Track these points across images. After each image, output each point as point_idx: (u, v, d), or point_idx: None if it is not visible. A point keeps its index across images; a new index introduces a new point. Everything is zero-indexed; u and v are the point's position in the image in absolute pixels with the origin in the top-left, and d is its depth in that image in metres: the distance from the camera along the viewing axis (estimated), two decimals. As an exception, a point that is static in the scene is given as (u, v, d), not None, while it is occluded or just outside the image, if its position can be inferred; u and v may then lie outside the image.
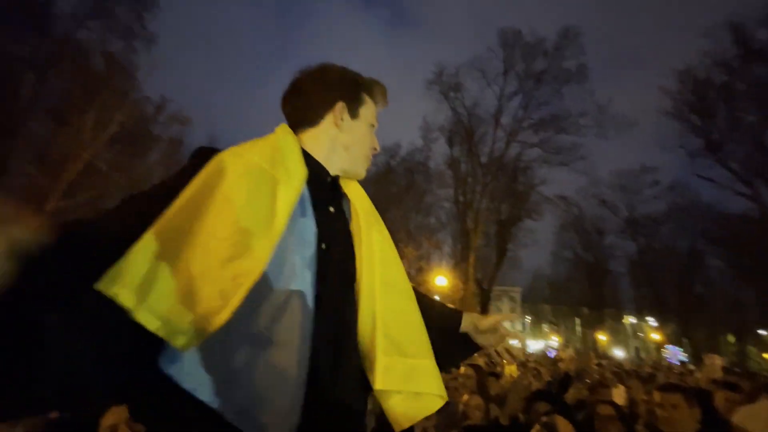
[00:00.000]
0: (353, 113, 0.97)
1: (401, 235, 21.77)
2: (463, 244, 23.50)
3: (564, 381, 3.76)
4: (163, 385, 0.67)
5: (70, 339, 0.61)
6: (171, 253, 0.67)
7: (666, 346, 25.35)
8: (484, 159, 23.63)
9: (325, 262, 0.81)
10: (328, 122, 0.95)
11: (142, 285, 0.64)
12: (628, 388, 4.10)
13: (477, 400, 3.13)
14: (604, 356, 15.62)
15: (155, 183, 0.84)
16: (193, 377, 0.67)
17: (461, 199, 24.36)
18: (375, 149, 1.03)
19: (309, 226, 0.82)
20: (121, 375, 0.69)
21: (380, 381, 0.79)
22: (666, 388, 2.44)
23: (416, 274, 20.34)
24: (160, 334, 0.64)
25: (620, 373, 4.90)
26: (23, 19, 16.12)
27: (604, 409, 2.80)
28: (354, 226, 0.91)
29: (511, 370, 3.77)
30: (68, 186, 12.15)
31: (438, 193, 25.74)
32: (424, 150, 25.48)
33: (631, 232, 28.33)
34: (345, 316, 0.83)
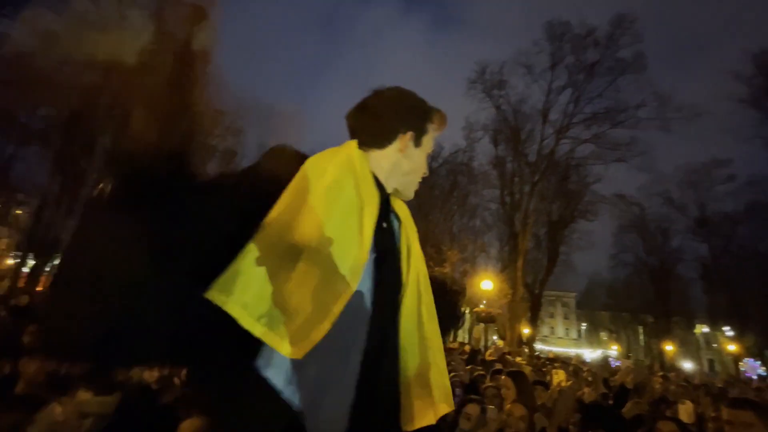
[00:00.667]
0: (417, 142, 1.04)
1: (444, 237, 21.48)
2: (511, 247, 22.68)
3: (620, 394, 3.48)
4: (248, 382, 0.75)
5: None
6: (274, 266, 0.75)
7: (744, 359, 22.61)
8: (531, 157, 22.71)
9: (377, 274, 0.89)
10: (394, 148, 1.01)
11: (246, 295, 0.73)
12: (696, 404, 3.71)
13: (520, 410, 2.98)
14: (671, 369, 14.28)
15: (236, 174, 0.93)
16: (271, 368, 0.76)
17: (508, 200, 23.56)
18: (425, 173, 1.08)
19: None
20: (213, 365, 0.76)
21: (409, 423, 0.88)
22: (737, 403, 2.18)
23: (460, 278, 19.94)
24: (267, 341, 0.72)
25: (687, 387, 4.44)
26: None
27: (666, 426, 2.57)
28: (402, 245, 0.98)
29: (559, 378, 3.55)
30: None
31: (483, 194, 25.15)
32: (467, 150, 25.02)
33: (702, 233, 25.76)
34: (387, 328, 0.90)
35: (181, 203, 0.75)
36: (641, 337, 35.94)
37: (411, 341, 0.91)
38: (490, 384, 3.35)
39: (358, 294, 0.81)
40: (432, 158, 25.57)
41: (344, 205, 0.84)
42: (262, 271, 0.74)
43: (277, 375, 0.75)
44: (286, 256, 0.76)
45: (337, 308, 0.74)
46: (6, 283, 7.88)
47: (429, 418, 0.88)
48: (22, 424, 1.67)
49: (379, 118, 1.00)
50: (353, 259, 0.79)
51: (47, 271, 18.94)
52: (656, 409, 3.42)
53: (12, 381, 2.19)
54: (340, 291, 0.76)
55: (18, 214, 22.90)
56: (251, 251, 0.75)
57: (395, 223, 1.02)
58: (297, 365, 0.76)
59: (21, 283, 16.90)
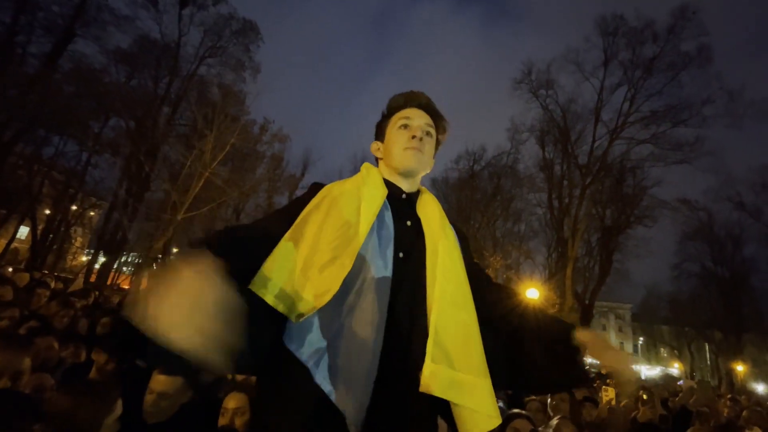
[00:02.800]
0: (383, 139, 1.20)
1: (487, 242, 20.92)
2: (559, 254, 21.63)
3: (680, 416, 3.19)
4: (282, 360, 0.87)
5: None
6: (296, 255, 0.91)
7: None
8: (582, 159, 21.56)
9: (401, 269, 0.96)
10: (379, 160, 1.21)
11: (271, 279, 0.88)
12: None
13: (569, 427, 2.83)
14: (742, 391, 12.87)
15: (281, 207, 1.13)
16: (302, 350, 0.87)
17: (556, 204, 22.52)
18: (413, 136, 1.12)
19: (389, 237, 0.99)
20: (258, 351, 0.88)
21: (424, 384, 0.85)
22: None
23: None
24: (281, 310, 0.86)
25: (760, 412, 3.98)
26: (158, 62, 19.57)
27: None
28: (428, 243, 1.03)
29: (609, 396, 3.32)
30: (194, 199, 14.25)
31: (528, 198, 24.23)
32: (512, 152, 24.27)
33: (781, 241, 23.13)
34: (415, 318, 0.94)
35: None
36: (708, 354, 32.75)
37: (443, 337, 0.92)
38: (534, 398, 3.21)
39: (380, 283, 0.92)
40: (474, 161, 25.23)
41: (345, 203, 0.99)
42: (282, 259, 0.90)
43: (303, 352, 0.86)
44: (305, 246, 0.92)
45: (336, 284, 0.86)
46: (81, 279, 8.70)
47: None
48: (99, 407, 1.82)
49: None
50: (351, 246, 0.92)
51: (115, 268, 20.69)
52: (723, 436, 3.10)
53: (88, 367, 2.42)
54: (338, 270, 0.88)
55: (92, 215, 25.34)
56: (283, 245, 0.92)
57: (423, 223, 1.07)
58: (322, 346, 0.86)
59: (92, 278, 18.64)
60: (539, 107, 22.91)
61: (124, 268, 26.58)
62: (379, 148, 1.20)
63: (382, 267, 0.94)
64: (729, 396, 7.15)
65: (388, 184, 1.10)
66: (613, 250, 22.30)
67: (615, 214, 22.40)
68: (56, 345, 2.55)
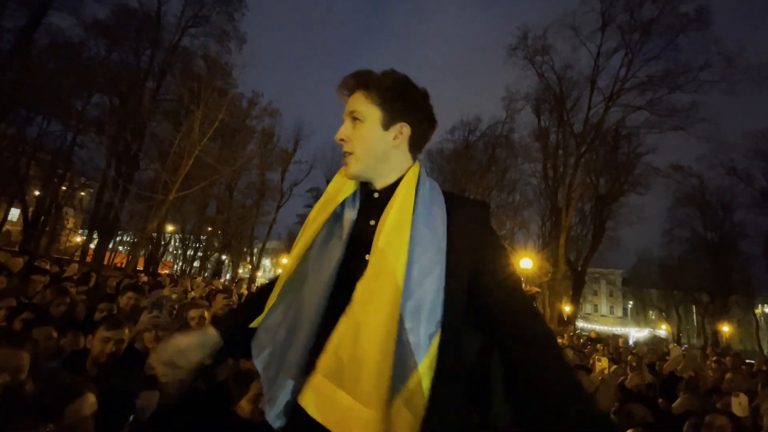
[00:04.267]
0: None
1: (483, 214, 20.98)
2: (553, 223, 21.85)
3: (669, 384, 3.31)
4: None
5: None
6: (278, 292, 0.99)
7: None
8: (578, 128, 21.36)
9: (351, 269, 0.89)
10: None
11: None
12: (751, 394, 3.46)
13: None
14: (726, 351, 13.44)
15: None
16: (257, 360, 0.96)
17: (551, 173, 22.52)
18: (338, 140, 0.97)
19: (342, 237, 0.93)
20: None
21: (304, 398, 0.80)
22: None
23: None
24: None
25: (743, 373, 4.16)
26: (139, 33, 18.72)
27: (719, 420, 2.43)
28: (374, 242, 0.88)
29: (603, 364, 3.44)
30: (185, 178, 14.01)
31: (523, 168, 24.19)
32: (507, 122, 23.99)
33: (769, 206, 23.46)
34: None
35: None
36: (695, 317, 33.91)
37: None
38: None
39: (322, 283, 0.90)
40: (469, 131, 24.89)
41: (319, 208, 1.00)
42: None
43: (257, 360, 0.97)
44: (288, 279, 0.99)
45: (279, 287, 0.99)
46: (75, 266, 8.67)
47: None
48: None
49: None
50: (298, 248, 0.99)
51: (111, 248, 20.58)
52: (707, 401, 3.23)
53: (87, 354, 2.44)
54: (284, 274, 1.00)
55: (82, 196, 24.98)
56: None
57: (379, 222, 0.91)
58: (268, 340, 0.96)
59: (88, 259, 18.59)
60: (535, 74, 22.47)
61: (120, 248, 26.54)
62: None
63: (329, 266, 0.91)
64: (714, 358, 7.45)
65: (363, 183, 1.00)
66: (606, 218, 22.56)
67: (609, 182, 22.50)
68: (55, 334, 2.56)
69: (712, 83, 19.56)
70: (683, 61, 19.93)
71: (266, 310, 0.98)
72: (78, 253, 18.72)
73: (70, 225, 26.27)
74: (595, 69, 20.95)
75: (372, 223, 0.92)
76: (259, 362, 0.95)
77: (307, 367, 0.85)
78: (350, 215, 0.96)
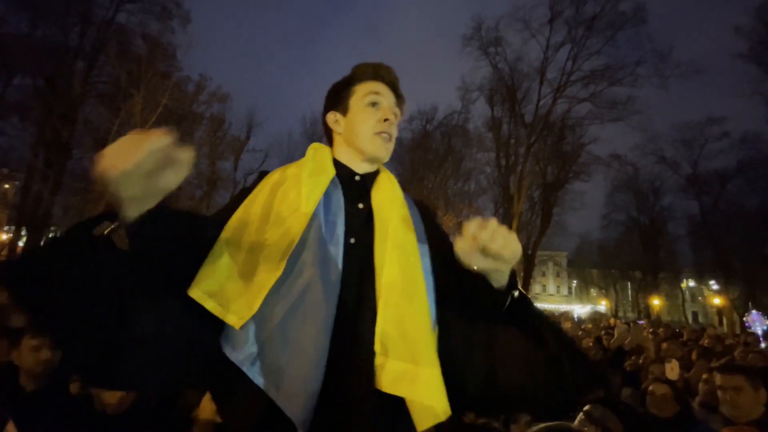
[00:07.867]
0: (344, 111, 1.05)
1: (439, 202, 21.49)
2: (506, 210, 22.83)
3: (616, 355, 3.62)
4: (224, 368, 0.81)
5: (158, 324, 0.77)
6: (231, 256, 0.85)
7: (752, 312, 23.10)
8: (528, 118, 22.31)
9: (352, 255, 0.90)
10: (335, 134, 1.07)
11: (206, 281, 0.82)
12: (684, 360, 3.86)
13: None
14: (658, 322, 14.91)
15: (225, 203, 1.02)
16: (240, 352, 0.81)
17: (503, 162, 23.41)
18: (385, 119, 1.01)
19: (339, 222, 0.92)
20: (196, 362, 0.84)
21: (376, 379, 0.81)
22: (727, 369, 2.26)
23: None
24: (216, 312, 0.80)
25: (677, 343, 4.67)
26: (67, 7, 16.86)
27: (659, 389, 2.66)
28: (377, 224, 0.94)
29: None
30: (125, 168, 12.99)
31: (478, 158, 24.92)
32: (463, 112, 24.52)
33: (693, 191, 26.04)
34: (363, 309, 0.87)
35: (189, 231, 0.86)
36: (629, 292, 37.28)
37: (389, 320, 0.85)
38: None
39: (329, 273, 0.85)
40: (426, 121, 25.17)
41: (287, 187, 0.93)
42: (218, 260, 0.85)
43: (237, 355, 0.81)
44: (238, 245, 0.86)
45: (270, 279, 0.81)
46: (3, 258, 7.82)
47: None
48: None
49: (322, 123, 1.11)
50: (293, 226, 0.86)
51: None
52: (647, 369, 3.55)
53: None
54: (275, 263, 0.83)
55: (6, 188, 22.42)
56: (215, 247, 0.86)
57: (374, 205, 0.98)
58: (258, 347, 0.81)
59: (16, 259, 16.84)
60: (489, 65, 23.06)
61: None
62: (337, 121, 1.05)
63: (330, 256, 0.87)
64: (651, 329, 8.24)
65: (340, 165, 1.01)
66: (553, 205, 23.90)
67: (555, 170, 23.77)
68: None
69: (646, 77, 21.15)
70: (621, 57, 21.36)
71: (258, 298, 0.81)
72: (5, 252, 16.85)
73: (-8, 221, 23.56)
74: (544, 62, 21.88)
75: (360, 206, 0.98)
76: (242, 355, 0.81)
77: (328, 365, 0.79)
78: (338, 199, 0.95)
